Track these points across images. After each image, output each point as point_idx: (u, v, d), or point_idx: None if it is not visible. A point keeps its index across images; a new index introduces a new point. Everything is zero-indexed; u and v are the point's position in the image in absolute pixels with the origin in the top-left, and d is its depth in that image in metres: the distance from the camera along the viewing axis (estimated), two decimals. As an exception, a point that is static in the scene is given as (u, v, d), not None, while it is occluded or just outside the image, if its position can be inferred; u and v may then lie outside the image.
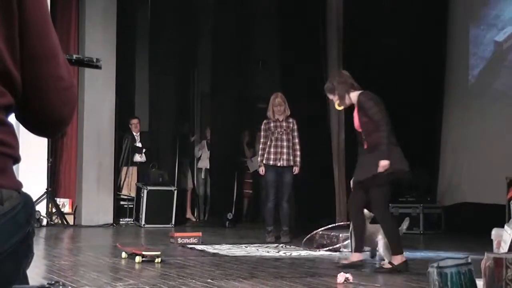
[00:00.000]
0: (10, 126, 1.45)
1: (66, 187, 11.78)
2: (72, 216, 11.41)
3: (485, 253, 4.11)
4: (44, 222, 10.87)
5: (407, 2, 11.23)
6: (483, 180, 10.38)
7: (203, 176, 13.33)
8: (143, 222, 11.56)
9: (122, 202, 12.10)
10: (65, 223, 11.03)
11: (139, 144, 12.44)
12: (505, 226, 5.57)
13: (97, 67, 2.30)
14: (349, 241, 7.40)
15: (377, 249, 6.73)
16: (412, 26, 11.21)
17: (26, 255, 1.49)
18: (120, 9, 11.96)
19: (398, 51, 11.10)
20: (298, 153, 9.26)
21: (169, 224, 11.59)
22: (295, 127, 9.31)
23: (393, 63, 10.99)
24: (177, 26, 12.84)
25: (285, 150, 9.23)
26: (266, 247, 8.54)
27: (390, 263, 6.35)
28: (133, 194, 12.04)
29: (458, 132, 11.25)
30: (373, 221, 6.67)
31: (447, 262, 3.85)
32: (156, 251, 6.85)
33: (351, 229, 6.79)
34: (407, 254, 6.70)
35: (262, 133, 9.46)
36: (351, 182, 6.77)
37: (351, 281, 5.58)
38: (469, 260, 3.92)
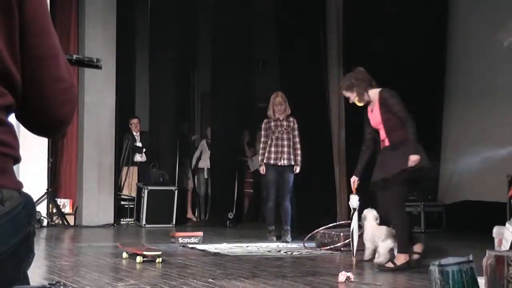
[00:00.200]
0: (10, 126, 1.45)
1: (66, 187, 11.76)
2: (72, 217, 11.39)
3: (487, 251, 4.11)
4: (45, 222, 10.86)
5: (407, 2, 11.21)
6: (484, 178, 10.36)
7: (205, 176, 13.31)
8: (143, 222, 11.55)
9: (122, 202, 12.09)
10: (66, 223, 11.03)
11: (139, 144, 12.43)
12: (507, 224, 5.58)
13: (97, 67, 2.30)
14: (349, 240, 7.39)
15: (377, 249, 6.72)
16: (412, 26, 11.19)
17: (26, 256, 1.48)
18: (120, 9, 11.95)
19: (398, 51, 11.08)
20: (299, 152, 9.24)
21: (170, 224, 11.58)
22: (296, 126, 9.29)
23: (393, 63, 10.97)
24: (177, 26, 12.83)
25: (285, 149, 9.21)
26: (267, 246, 8.54)
27: (392, 262, 6.35)
28: (133, 194, 12.02)
29: (458, 131, 11.24)
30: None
31: (448, 260, 3.85)
32: (157, 251, 6.86)
33: (352, 229, 6.75)
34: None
35: (262, 133, 9.45)
36: (352, 180, 6.75)
37: (352, 280, 5.58)
38: (471, 258, 3.92)
